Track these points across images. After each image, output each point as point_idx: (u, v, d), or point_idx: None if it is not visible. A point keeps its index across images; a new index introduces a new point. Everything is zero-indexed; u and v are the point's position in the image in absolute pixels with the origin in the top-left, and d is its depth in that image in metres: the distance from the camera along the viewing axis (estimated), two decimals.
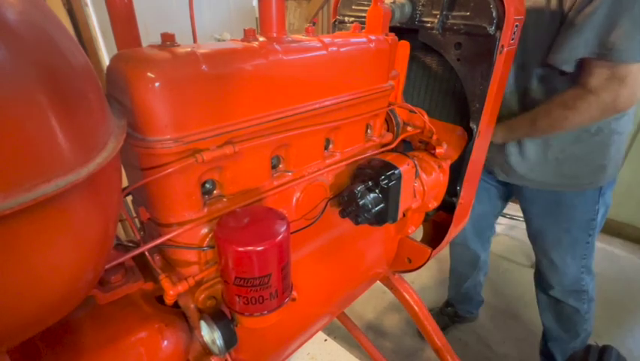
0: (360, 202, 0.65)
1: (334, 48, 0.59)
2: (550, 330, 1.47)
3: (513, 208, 1.56)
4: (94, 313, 0.51)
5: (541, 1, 0.97)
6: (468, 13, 0.73)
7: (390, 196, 0.67)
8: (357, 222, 0.68)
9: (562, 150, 1.11)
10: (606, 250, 2.28)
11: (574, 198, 1.18)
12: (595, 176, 1.13)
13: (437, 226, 0.98)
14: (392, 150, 0.78)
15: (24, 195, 0.24)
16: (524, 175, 1.19)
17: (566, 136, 1.08)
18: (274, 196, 0.61)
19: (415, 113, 0.80)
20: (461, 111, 0.86)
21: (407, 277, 1.06)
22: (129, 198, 0.57)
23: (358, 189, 0.66)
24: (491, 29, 0.70)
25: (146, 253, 0.50)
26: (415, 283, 2.05)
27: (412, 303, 1.03)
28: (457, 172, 0.85)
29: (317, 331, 0.83)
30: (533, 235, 1.35)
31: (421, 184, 0.77)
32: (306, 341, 0.81)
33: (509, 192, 1.42)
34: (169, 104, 0.43)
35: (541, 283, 1.41)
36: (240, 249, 0.44)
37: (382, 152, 0.77)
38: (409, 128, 0.83)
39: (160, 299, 0.56)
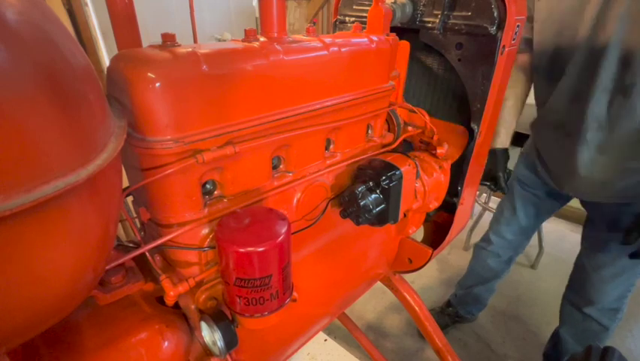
0: (361, 203, 0.65)
1: (335, 48, 0.59)
2: (566, 343, 1.42)
3: None
4: (94, 314, 0.50)
5: None
6: (469, 14, 0.73)
7: (391, 197, 0.66)
8: (358, 223, 0.68)
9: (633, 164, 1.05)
10: None
11: None
12: None
13: (438, 227, 0.98)
14: (393, 151, 0.78)
15: (24, 197, 0.24)
16: (603, 187, 1.12)
17: None
18: (275, 197, 0.61)
19: (416, 113, 0.79)
20: (462, 111, 0.86)
21: (407, 277, 1.06)
22: (130, 199, 0.56)
23: (359, 189, 0.65)
24: (492, 29, 0.70)
25: (147, 253, 0.50)
26: (415, 284, 2.05)
27: (413, 303, 1.02)
28: (458, 173, 0.85)
29: (317, 331, 0.83)
30: (593, 246, 1.27)
31: (422, 185, 0.76)
32: (306, 341, 0.81)
33: (563, 204, 1.38)
34: (169, 104, 0.43)
35: (576, 299, 1.34)
36: (241, 250, 0.44)
37: (383, 152, 0.77)
38: (409, 128, 0.83)
39: (160, 300, 0.56)
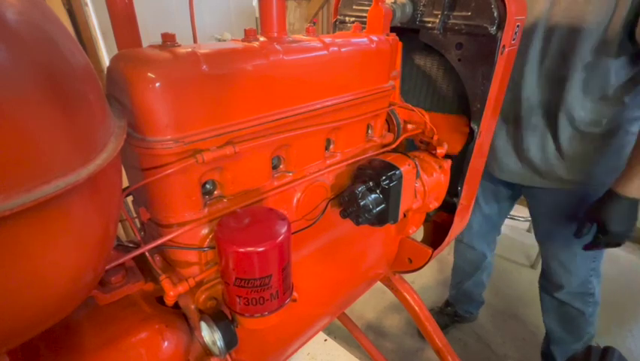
0: (361, 203, 0.65)
1: (335, 48, 0.59)
2: (553, 332, 1.46)
3: (514, 208, 1.56)
4: (94, 314, 0.50)
5: None
6: (469, 14, 0.73)
7: (391, 197, 0.66)
8: (358, 223, 0.68)
9: (575, 148, 1.08)
10: (606, 251, 2.27)
11: (586, 199, 1.15)
12: (608, 177, 1.08)
13: (438, 227, 0.98)
14: (393, 151, 0.78)
15: (24, 196, 0.24)
16: (542, 172, 1.16)
17: (583, 136, 1.06)
18: (275, 197, 0.61)
19: (416, 113, 0.79)
20: (462, 112, 0.86)
21: (407, 277, 1.06)
22: (129, 199, 0.56)
23: (359, 189, 0.65)
24: (492, 29, 0.70)
25: (147, 253, 0.50)
26: (415, 283, 2.05)
27: (413, 303, 1.02)
28: (457, 172, 0.85)
29: (317, 331, 0.83)
30: (543, 236, 1.33)
31: (421, 185, 0.76)
32: (306, 341, 0.81)
33: (517, 193, 1.40)
34: (169, 104, 0.43)
35: (547, 285, 1.39)
36: (241, 250, 0.44)
37: (383, 152, 0.77)
38: (409, 127, 0.82)
39: (160, 300, 0.56)
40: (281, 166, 0.62)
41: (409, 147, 0.94)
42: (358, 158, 0.72)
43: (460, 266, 1.71)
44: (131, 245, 0.55)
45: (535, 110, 1.09)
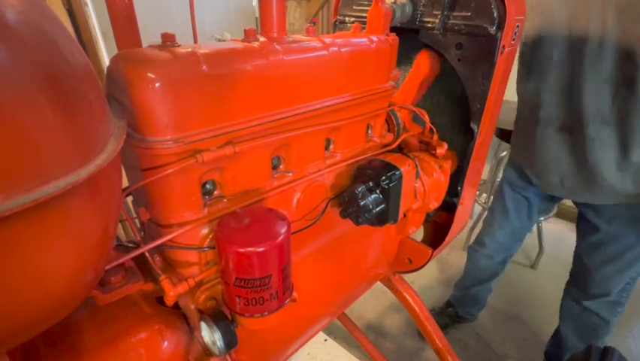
0: (361, 203, 0.65)
1: (335, 48, 0.59)
2: (568, 339, 1.41)
3: None
4: (94, 314, 0.50)
5: None
6: (469, 14, 0.73)
7: (391, 197, 0.66)
8: (357, 223, 0.68)
9: None
10: None
11: None
12: None
13: (438, 227, 0.98)
14: (393, 151, 0.78)
15: (24, 197, 0.24)
16: (606, 187, 1.07)
17: None
18: (275, 197, 0.61)
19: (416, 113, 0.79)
20: (462, 112, 0.86)
21: (407, 277, 1.06)
22: (129, 199, 0.56)
23: (359, 189, 0.65)
24: (492, 29, 0.70)
25: (147, 253, 0.50)
26: (415, 284, 2.05)
27: (413, 303, 1.02)
28: (458, 173, 0.85)
29: (317, 331, 0.83)
30: (590, 247, 1.26)
31: (421, 185, 0.76)
32: (306, 341, 0.81)
33: (552, 206, 1.37)
34: (169, 104, 0.43)
35: (578, 293, 1.34)
36: (241, 250, 0.44)
37: (383, 152, 0.77)
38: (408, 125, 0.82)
39: (160, 300, 0.56)
40: (281, 166, 0.62)
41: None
42: (358, 158, 0.72)
43: (471, 273, 1.68)
44: (131, 245, 0.55)
45: (599, 119, 1.02)
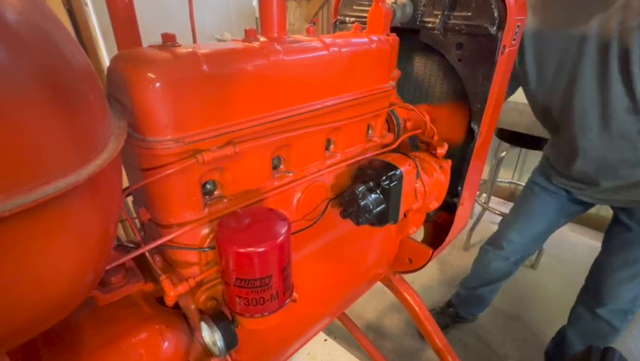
0: (362, 203, 0.65)
1: (335, 48, 0.59)
2: (574, 345, 1.40)
3: (509, 207, 1.55)
4: (94, 314, 0.50)
5: None
6: (469, 14, 0.73)
7: (391, 197, 0.66)
8: (358, 223, 0.68)
9: None
10: None
11: None
12: None
13: (438, 227, 0.98)
14: (393, 151, 0.78)
15: (24, 197, 0.24)
16: None
17: None
18: (275, 197, 0.61)
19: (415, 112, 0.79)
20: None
21: (407, 277, 1.06)
22: (130, 199, 0.56)
23: (359, 189, 0.65)
24: (493, 29, 0.70)
25: (147, 253, 0.50)
26: (415, 284, 2.05)
27: (413, 303, 1.02)
28: (458, 173, 0.85)
29: (318, 332, 0.83)
30: (618, 246, 1.25)
31: (422, 185, 0.76)
32: (306, 341, 0.81)
33: (582, 212, 1.36)
34: (170, 104, 0.43)
35: (591, 300, 1.33)
36: (241, 250, 0.44)
37: (383, 152, 0.77)
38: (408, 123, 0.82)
39: (160, 300, 0.56)
40: (281, 166, 0.62)
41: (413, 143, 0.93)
42: (358, 158, 0.72)
43: (480, 273, 1.66)
44: (131, 245, 0.55)
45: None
